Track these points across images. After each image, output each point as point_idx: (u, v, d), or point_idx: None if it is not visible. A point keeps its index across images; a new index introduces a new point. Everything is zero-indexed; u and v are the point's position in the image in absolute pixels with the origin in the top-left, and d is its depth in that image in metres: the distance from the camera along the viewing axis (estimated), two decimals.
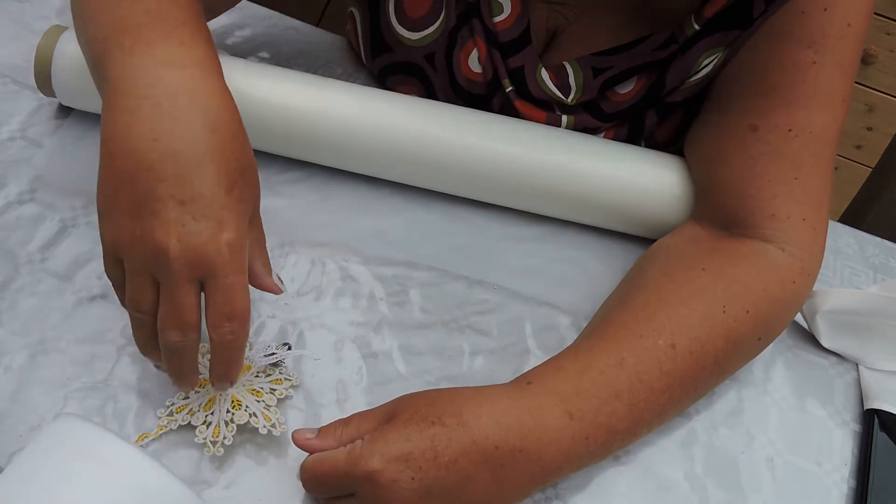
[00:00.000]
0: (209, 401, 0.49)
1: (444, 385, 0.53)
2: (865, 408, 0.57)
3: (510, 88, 0.61)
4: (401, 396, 0.47)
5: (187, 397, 0.49)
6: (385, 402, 0.47)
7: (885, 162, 1.42)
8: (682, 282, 0.53)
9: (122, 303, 0.44)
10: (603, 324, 0.52)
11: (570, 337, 0.57)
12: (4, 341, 0.51)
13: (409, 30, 0.63)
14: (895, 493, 0.53)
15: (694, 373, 0.50)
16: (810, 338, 0.61)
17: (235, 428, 0.48)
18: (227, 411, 0.48)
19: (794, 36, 0.54)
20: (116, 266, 0.43)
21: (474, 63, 0.62)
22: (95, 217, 0.57)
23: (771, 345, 0.59)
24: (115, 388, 0.50)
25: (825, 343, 0.60)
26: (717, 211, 0.57)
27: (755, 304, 0.52)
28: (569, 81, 0.61)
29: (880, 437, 0.55)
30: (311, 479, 0.46)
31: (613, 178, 0.60)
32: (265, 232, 0.47)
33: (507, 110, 0.63)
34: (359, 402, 0.52)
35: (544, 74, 0.61)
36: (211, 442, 0.48)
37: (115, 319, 0.53)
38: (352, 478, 0.43)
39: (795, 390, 0.58)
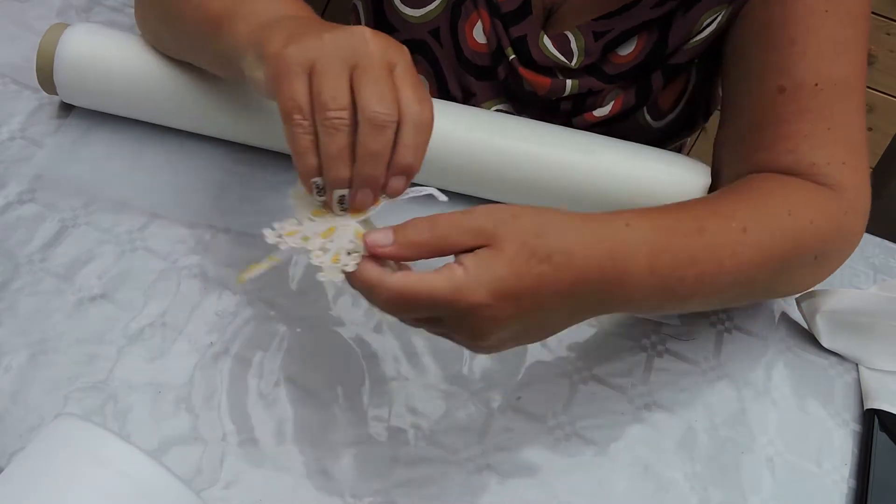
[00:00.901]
0: (328, 230, 0.44)
1: (443, 386, 0.53)
2: (865, 408, 0.57)
3: (513, 57, 0.63)
4: (494, 211, 0.43)
5: (300, 224, 0.45)
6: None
7: (885, 162, 1.42)
8: (748, 189, 0.55)
9: (301, 140, 0.43)
10: (679, 204, 0.54)
11: (570, 337, 0.57)
12: (4, 341, 0.51)
13: (412, 7, 0.64)
14: (895, 493, 0.53)
15: (758, 262, 0.51)
16: (810, 338, 0.61)
17: (360, 257, 0.43)
18: (350, 241, 0.44)
19: None
20: (302, 85, 0.42)
21: (479, 34, 0.63)
22: (95, 217, 0.57)
23: (772, 344, 0.60)
24: (115, 388, 0.50)
25: (825, 343, 0.60)
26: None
27: (816, 220, 0.54)
28: (571, 47, 0.62)
29: (880, 437, 0.55)
30: (398, 300, 0.41)
31: (619, 174, 0.60)
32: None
33: (513, 79, 0.64)
34: (359, 402, 0.52)
35: (546, 41, 0.62)
36: (329, 267, 0.43)
37: (115, 319, 0.53)
38: (451, 307, 0.41)
39: (795, 390, 0.58)
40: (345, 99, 0.41)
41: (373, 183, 0.43)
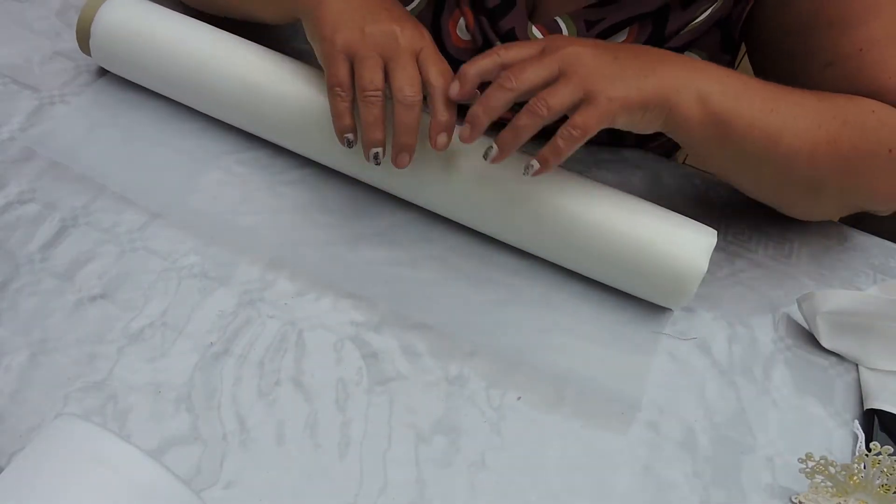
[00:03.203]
0: None
1: (443, 386, 0.53)
2: (865, 408, 0.57)
3: None
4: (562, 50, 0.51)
5: None
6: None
7: None
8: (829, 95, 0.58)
9: (339, 106, 0.53)
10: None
11: (571, 337, 0.57)
12: (4, 341, 0.51)
13: None
14: None
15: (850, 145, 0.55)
16: (810, 338, 0.61)
17: None
18: None
19: None
20: (345, 68, 0.52)
21: (462, 31, 0.64)
22: (95, 217, 0.57)
23: (772, 344, 0.60)
24: (115, 388, 0.50)
25: (825, 343, 0.60)
26: None
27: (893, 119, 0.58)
28: (562, 33, 0.62)
29: (880, 438, 0.55)
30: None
31: (623, 229, 0.56)
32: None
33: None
34: (359, 402, 0.52)
35: (535, 31, 0.62)
36: None
37: (115, 319, 0.53)
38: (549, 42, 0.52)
39: (795, 390, 0.58)
40: (380, 82, 0.52)
41: (408, 148, 0.53)
